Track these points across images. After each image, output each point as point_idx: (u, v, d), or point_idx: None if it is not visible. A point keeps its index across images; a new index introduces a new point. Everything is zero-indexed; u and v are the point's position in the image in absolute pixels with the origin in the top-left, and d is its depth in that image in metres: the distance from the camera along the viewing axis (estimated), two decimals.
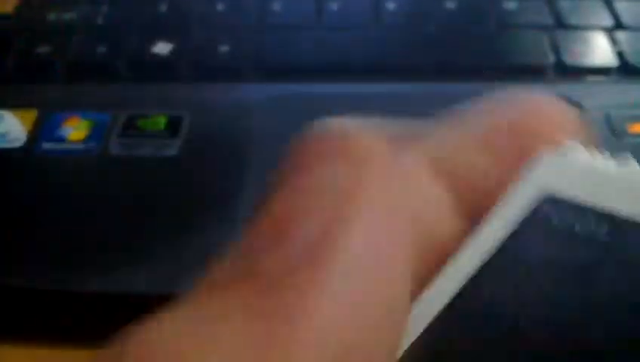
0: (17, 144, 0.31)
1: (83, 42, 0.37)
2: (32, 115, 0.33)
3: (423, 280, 0.12)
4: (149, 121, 0.32)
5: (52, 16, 0.39)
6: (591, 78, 0.35)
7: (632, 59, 0.36)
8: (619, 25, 0.38)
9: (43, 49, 0.37)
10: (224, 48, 0.37)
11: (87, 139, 0.31)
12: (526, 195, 0.13)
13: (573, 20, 0.38)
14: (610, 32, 0.38)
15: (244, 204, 0.29)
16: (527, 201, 0.13)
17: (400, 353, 0.12)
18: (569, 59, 0.36)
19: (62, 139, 0.31)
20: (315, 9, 0.39)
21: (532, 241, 0.12)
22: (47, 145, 0.31)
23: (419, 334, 0.12)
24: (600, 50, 0.37)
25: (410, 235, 0.12)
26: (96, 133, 0.32)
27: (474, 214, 0.13)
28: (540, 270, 0.12)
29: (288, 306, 0.10)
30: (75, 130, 0.32)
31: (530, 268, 0.12)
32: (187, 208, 0.29)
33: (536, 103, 0.14)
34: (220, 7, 0.39)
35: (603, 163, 0.13)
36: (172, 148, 0.31)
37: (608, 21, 0.38)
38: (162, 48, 0.36)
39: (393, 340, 0.11)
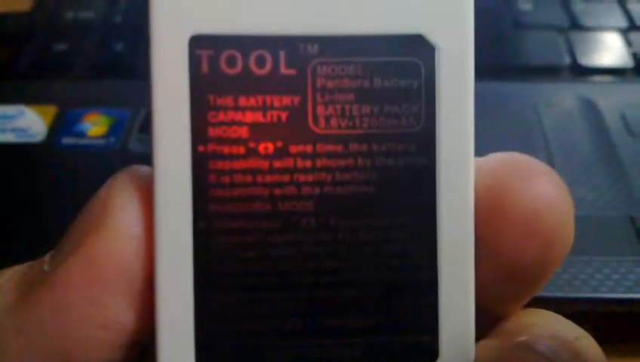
0: (38, 139, 0.32)
1: (101, 40, 0.38)
2: (51, 110, 0.33)
3: None
4: None
5: (69, 15, 0.40)
6: (606, 79, 0.36)
7: None
8: (633, 26, 0.38)
9: (61, 46, 0.37)
10: None
11: (107, 135, 0.32)
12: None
13: (587, 22, 0.39)
14: (624, 33, 0.38)
15: None
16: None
17: None
18: (584, 60, 0.36)
19: (82, 135, 0.32)
20: None
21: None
22: (67, 140, 0.32)
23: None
24: (614, 51, 0.37)
25: None
26: (116, 130, 0.32)
27: None
28: None
29: None
30: (95, 125, 0.32)
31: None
32: None
33: None
34: None
35: None
36: None
37: (623, 22, 0.38)
38: None
39: None
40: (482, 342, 0.15)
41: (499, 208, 0.15)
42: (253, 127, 0.14)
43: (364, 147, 0.14)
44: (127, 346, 0.15)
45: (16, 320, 0.14)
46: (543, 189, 0.14)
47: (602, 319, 0.22)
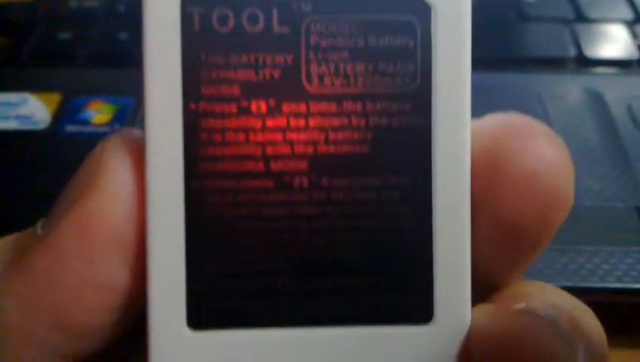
0: (42, 126, 0.32)
1: (104, 29, 0.38)
2: (55, 98, 0.33)
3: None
4: None
5: (73, 3, 0.40)
6: (611, 71, 0.36)
7: None
8: (639, 18, 0.38)
9: (64, 35, 0.37)
10: None
11: (112, 122, 0.32)
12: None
13: (593, 14, 0.38)
14: (630, 25, 0.38)
15: None
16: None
17: None
18: (589, 52, 0.36)
19: (86, 123, 0.32)
20: None
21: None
22: (71, 128, 0.32)
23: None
24: (620, 43, 0.37)
25: None
26: (120, 117, 0.32)
27: None
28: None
29: None
30: (99, 113, 0.32)
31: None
32: None
33: None
34: None
35: None
36: None
37: (628, 14, 0.38)
38: None
39: None
40: (479, 306, 0.15)
41: (497, 169, 0.14)
42: (246, 85, 0.14)
43: (359, 106, 0.14)
44: (123, 308, 0.15)
45: (10, 284, 0.14)
46: (542, 150, 0.14)
47: (609, 309, 0.22)
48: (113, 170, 0.14)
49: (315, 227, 0.14)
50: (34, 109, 0.32)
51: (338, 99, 0.14)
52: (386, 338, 0.15)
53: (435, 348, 0.15)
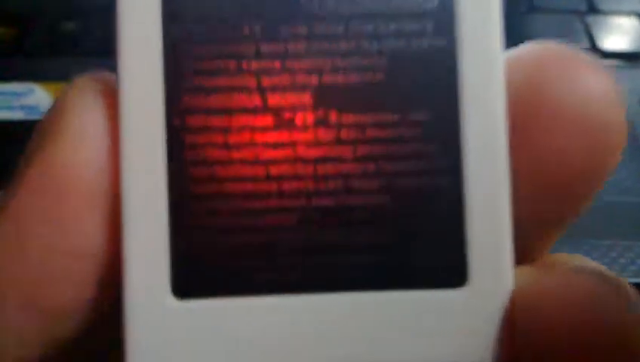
0: None
1: (109, 18, 0.37)
2: (61, 88, 0.32)
3: None
4: None
5: None
6: (624, 63, 0.35)
7: None
8: None
9: (70, 24, 0.37)
10: None
11: None
12: None
13: (605, 5, 0.38)
14: None
15: None
16: None
17: None
18: (602, 44, 0.36)
19: None
20: None
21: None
22: None
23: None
24: (632, 35, 0.36)
25: None
26: None
27: None
28: None
29: None
30: None
31: None
32: None
33: None
34: None
35: None
36: None
37: None
38: None
39: None
40: (521, 268, 0.12)
41: (537, 103, 0.12)
42: (236, 4, 0.12)
43: (370, 27, 0.12)
44: (105, 282, 0.12)
45: None
46: (592, 82, 0.12)
47: None
48: (83, 108, 0.12)
49: (322, 172, 0.12)
50: (39, 99, 0.32)
51: (345, 18, 0.12)
52: (412, 305, 0.12)
53: (470, 315, 0.12)
